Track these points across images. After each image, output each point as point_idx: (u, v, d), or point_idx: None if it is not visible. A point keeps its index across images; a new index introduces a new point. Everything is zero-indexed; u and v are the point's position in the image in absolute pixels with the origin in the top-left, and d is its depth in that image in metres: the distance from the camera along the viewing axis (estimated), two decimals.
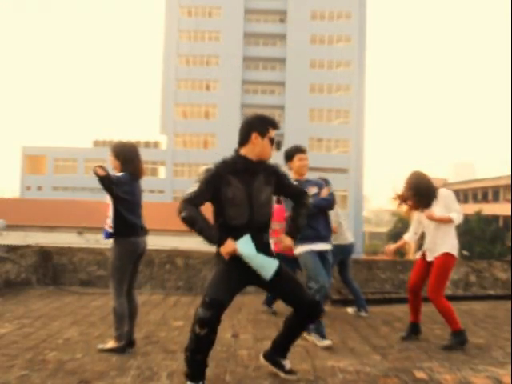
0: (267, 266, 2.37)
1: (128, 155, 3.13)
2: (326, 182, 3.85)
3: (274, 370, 2.62)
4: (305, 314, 2.46)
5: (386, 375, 2.73)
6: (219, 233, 2.36)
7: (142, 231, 3.13)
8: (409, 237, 3.70)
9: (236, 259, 2.36)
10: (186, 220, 2.31)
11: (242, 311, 4.46)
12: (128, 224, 3.03)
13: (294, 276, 2.54)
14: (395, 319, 4.33)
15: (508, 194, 34.16)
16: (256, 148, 2.43)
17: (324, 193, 3.53)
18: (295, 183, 2.65)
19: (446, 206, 3.43)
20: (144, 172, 3.20)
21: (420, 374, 2.75)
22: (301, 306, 2.45)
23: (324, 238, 3.50)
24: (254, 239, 2.39)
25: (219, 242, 2.34)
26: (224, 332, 3.65)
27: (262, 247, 2.42)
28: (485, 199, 38.79)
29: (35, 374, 2.61)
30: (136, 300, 3.20)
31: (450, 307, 3.37)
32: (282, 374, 2.59)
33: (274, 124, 2.50)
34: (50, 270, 5.71)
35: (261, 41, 40.53)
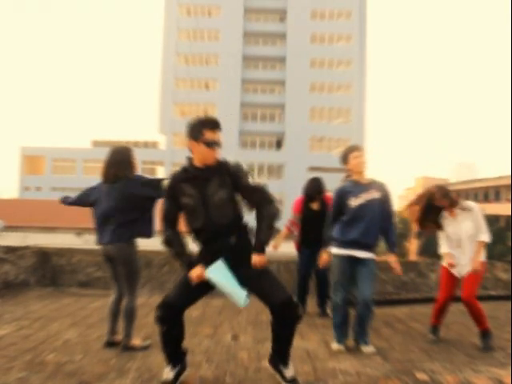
0: (235, 296, 2.33)
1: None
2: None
3: (276, 375, 2.52)
4: (278, 315, 2.35)
5: (387, 377, 2.72)
6: (190, 258, 2.44)
7: (105, 237, 3.11)
8: (447, 249, 3.64)
9: (210, 260, 2.39)
10: (164, 244, 2.52)
11: (241, 313, 4.44)
12: (96, 232, 3.21)
13: (268, 273, 2.41)
14: (396, 320, 4.31)
15: (509, 193, 34.16)
16: (195, 154, 2.39)
17: None
18: (255, 185, 2.39)
19: (475, 221, 3.48)
20: (111, 176, 3.11)
21: (421, 376, 2.74)
22: (273, 306, 2.34)
23: (363, 246, 3.23)
24: (216, 244, 2.40)
25: (189, 267, 2.41)
26: (224, 334, 3.64)
27: (229, 252, 2.40)
28: (486, 199, 38.79)
29: (34, 375, 2.59)
30: (124, 303, 3.15)
31: (482, 308, 3.47)
32: (281, 381, 2.47)
33: (209, 125, 2.35)
34: (49, 271, 5.69)
35: (260, 40, 40.51)
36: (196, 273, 2.37)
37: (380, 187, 3.33)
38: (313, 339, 3.51)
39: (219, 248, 2.41)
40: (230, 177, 2.39)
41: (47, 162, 38.51)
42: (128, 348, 3.09)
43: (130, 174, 3.14)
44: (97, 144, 40.60)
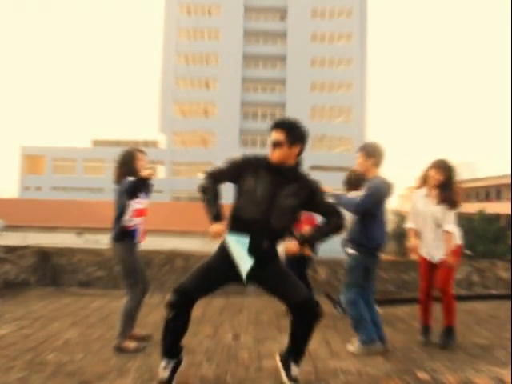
0: (241, 263, 2.31)
1: None
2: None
3: (280, 370, 2.49)
4: (298, 314, 2.36)
5: (388, 376, 2.71)
6: (218, 210, 2.38)
7: None
8: (412, 225, 3.64)
9: (228, 254, 2.36)
10: (199, 188, 2.43)
11: (242, 312, 4.44)
12: None
13: (288, 274, 2.44)
14: (397, 320, 4.30)
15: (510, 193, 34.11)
16: None
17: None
18: (330, 202, 2.53)
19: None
20: (114, 179, 3.25)
21: (422, 375, 2.73)
22: (293, 305, 2.36)
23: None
24: (255, 240, 2.34)
25: (214, 218, 2.37)
26: (225, 333, 3.63)
27: (258, 252, 2.35)
28: (487, 198, 38.76)
29: (35, 375, 2.59)
30: (123, 302, 3.18)
31: (455, 302, 3.42)
32: (284, 379, 2.46)
33: (272, 125, 2.40)
34: (49, 270, 5.68)
35: (261, 38, 40.47)
36: (217, 228, 2.34)
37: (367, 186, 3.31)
38: (314, 338, 3.48)
39: (251, 243, 2.35)
40: (310, 194, 2.42)
41: (47, 161, 38.49)
42: (120, 349, 3.06)
43: (125, 177, 3.14)
44: (97, 143, 40.58)
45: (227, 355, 3.05)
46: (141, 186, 3.11)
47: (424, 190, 3.52)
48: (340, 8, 39.13)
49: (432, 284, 3.51)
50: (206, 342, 3.36)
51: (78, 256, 5.72)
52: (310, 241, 2.46)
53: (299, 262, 4.31)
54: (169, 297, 2.35)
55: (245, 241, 2.33)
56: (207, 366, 2.81)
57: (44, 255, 5.71)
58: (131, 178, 3.12)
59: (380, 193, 3.21)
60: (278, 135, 2.35)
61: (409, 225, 3.65)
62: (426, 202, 3.49)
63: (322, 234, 2.46)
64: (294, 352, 2.47)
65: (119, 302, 3.16)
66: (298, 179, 2.41)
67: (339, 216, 2.48)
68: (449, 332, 3.39)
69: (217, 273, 2.39)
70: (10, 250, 5.46)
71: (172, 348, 2.42)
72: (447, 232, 3.37)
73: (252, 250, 2.33)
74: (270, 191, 2.34)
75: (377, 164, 3.28)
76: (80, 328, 3.67)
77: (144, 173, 3.10)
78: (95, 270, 5.67)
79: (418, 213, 3.53)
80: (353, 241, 3.31)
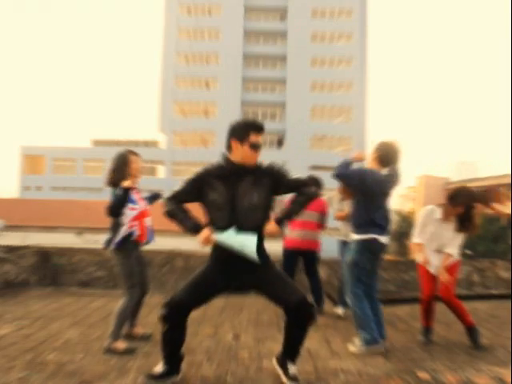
0: (247, 244, 2.31)
1: None
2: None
3: (279, 372, 2.51)
4: (293, 315, 2.35)
5: (388, 376, 2.70)
6: (195, 222, 2.40)
7: None
8: (419, 241, 3.62)
9: (223, 262, 2.40)
10: (166, 214, 2.47)
11: (243, 312, 4.44)
12: None
13: (281, 276, 2.44)
14: (398, 320, 4.30)
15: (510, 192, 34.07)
16: (237, 154, 2.40)
17: None
18: (296, 177, 2.47)
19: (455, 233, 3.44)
20: (108, 181, 3.21)
21: (423, 375, 2.73)
22: (288, 307, 2.35)
23: None
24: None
25: (195, 230, 2.38)
26: (225, 333, 3.63)
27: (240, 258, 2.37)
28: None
29: (35, 375, 2.59)
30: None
31: (462, 305, 3.46)
32: (283, 379, 2.47)
33: (256, 127, 2.38)
34: (49, 270, 5.68)
35: (261, 38, 40.47)
36: (204, 235, 2.34)
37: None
38: (314, 338, 3.50)
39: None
40: (272, 178, 2.40)
41: (47, 161, 38.48)
42: (109, 350, 3.03)
43: (117, 181, 3.11)
44: (97, 143, 40.58)
45: (227, 355, 3.05)
46: (127, 195, 3.07)
47: (438, 212, 3.48)
48: (340, 8, 39.13)
49: (433, 288, 3.53)
50: (207, 341, 3.36)
51: (78, 256, 5.72)
52: (287, 217, 2.44)
53: (309, 260, 4.37)
54: (161, 310, 2.36)
55: (231, 232, 2.33)
56: (207, 366, 2.81)
57: (44, 255, 5.71)
58: (120, 186, 3.08)
59: (367, 174, 3.23)
60: (260, 138, 2.41)
61: (416, 240, 3.58)
62: (440, 225, 3.47)
63: (298, 206, 2.44)
64: (290, 352, 2.49)
65: (119, 301, 3.16)
66: (252, 172, 2.40)
67: (309, 184, 2.47)
68: (470, 332, 3.42)
69: (208, 284, 2.41)
70: (10, 249, 5.46)
71: (170, 357, 2.48)
72: (448, 254, 3.42)
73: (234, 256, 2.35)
74: (227, 195, 2.36)
75: (379, 159, 3.30)
76: (80, 328, 3.67)
77: (124, 184, 3.06)
78: (95, 270, 5.67)
79: (427, 232, 3.52)
80: (355, 223, 3.32)
